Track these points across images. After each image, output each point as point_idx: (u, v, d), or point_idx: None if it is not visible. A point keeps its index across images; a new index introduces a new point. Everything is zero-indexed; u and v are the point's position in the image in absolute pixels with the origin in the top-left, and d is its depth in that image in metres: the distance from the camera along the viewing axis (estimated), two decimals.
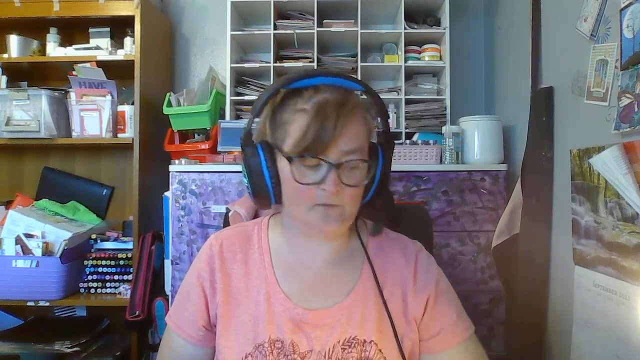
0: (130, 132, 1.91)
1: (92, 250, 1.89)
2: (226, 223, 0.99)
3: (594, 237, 1.15)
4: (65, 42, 2.04)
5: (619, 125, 1.05)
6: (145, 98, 1.91)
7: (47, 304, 1.76)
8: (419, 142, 1.77)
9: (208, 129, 1.96)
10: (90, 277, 1.86)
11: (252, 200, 0.72)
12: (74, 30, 2.08)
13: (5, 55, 1.98)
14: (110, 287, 1.86)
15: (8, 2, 1.90)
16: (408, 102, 1.96)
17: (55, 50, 2.00)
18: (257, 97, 0.70)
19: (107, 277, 1.86)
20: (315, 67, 1.95)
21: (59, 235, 1.78)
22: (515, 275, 1.49)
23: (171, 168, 1.68)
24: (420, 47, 2.01)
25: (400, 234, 0.82)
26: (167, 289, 1.71)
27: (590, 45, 1.20)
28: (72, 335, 1.77)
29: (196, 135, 2.08)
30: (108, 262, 1.86)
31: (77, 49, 1.98)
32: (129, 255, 1.86)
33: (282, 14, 2.06)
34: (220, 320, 0.73)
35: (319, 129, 0.63)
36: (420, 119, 1.95)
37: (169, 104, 1.92)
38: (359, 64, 1.98)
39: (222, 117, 1.98)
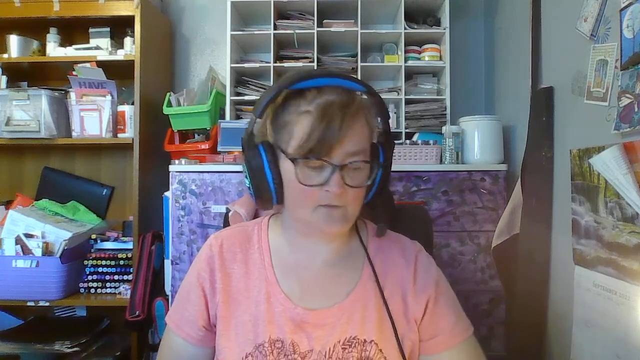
0: (130, 132, 1.91)
1: (92, 250, 1.89)
2: (226, 223, 0.99)
3: (594, 237, 1.15)
4: (65, 42, 2.04)
5: (619, 125, 1.05)
6: (145, 98, 1.91)
7: (47, 304, 1.76)
8: (419, 142, 1.77)
9: (208, 129, 1.96)
10: (90, 277, 1.86)
11: (253, 201, 0.72)
12: (74, 30, 2.08)
13: (5, 55, 1.98)
14: (110, 287, 1.86)
15: (8, 2, 1.90)
16: (408, 102, 1.96)
17: (55, 50, 2.00)
18: (258, 98, 0.69)
19: (107, 277, 1.86)
20: (316, 67, 1.95)
21: (59, 235, 1.78)
22: (515, 275, 1.49)
23: (171, 168, 1.68)
24: (420, 47, 2.01)
25: (399, 234, 0.82)
26: (167, 289, 1.71)
27: (590, 45, 1.20)
28: (72, 335, 1.77)
29: (196, 135, 2.08)
30: (108, 262, 1.86)
31: (77, 49, 1.98)
32: (129, 255, 1.86)
33: (282, 14, 2.06)
34: (220, 321, 0.73)
35: (324, 131, 0.63)
36: (420, 119, 1.95)
37: (169, 104, 1.92)
38: (359, 64, 1.98)
39: (222, 117, 1.98)
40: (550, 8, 1.47)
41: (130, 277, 1.85)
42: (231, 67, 1.98)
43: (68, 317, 2.09)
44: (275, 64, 1.97)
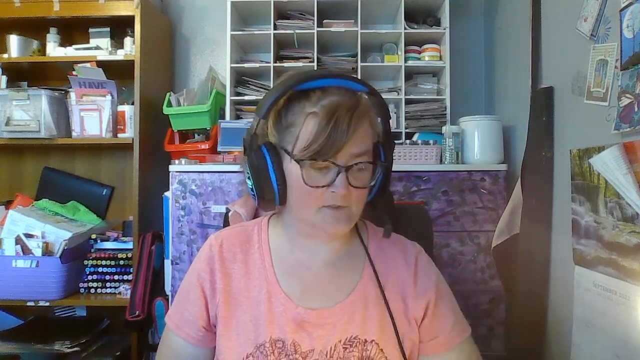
0: (130, 132, 1.91)
1: (92, 250, 1.89)
2: (226, 223, 0.99)
3: (594, 237, 1.15)
4: (65, 42, 2.04)
5: (619, 125, 1.05)
6: (145, 98, 1.91)
7: (47, 304, 1.76)
8: (419, 142, 1.77)
9: (208, 129, 1.96)
10: (90, 277, 1.86)
11: (255, 202, 0.72)
12: (74, 30, 2.08)
13: (5, 55, 1.99)
14: (110, 287, 1.86)
15: (8, 2, 1.90)
16: (408, 102, 1.96)
17: (55, 50, 2.00)
18: (261, 98, 0.69)
19: (107, 277, 1.86)
20: (316, 68, 1.95)
21: (59, 235, 1.78)
22: (515, 275, 1.49)
23: (171, 168, 1.68)
24: (420, 47, 2.01)
25: (399, 235, 0.82)
26: (167, 289, 1.71)
27: (590, 45, 1.20)
28: (72, 335, 1.77)
29: (196, 135, 2.08)
30: (108, 262, 1.86)
31: (77, 49, 1.98)
32: (129, 255, 1.86)
33: (282, 14, 2.06)
34: (220, 321, 0.73)
35: (331, 133, 0.63)
36: (420, 119, 1.95)
37: (169, 104, 1.92)
38: (359, 64, 1.98)
39: (222, 117, 1.98)
40: (550, 8, 1.47)
41: (130, 277, 1.85)
42: (231, 67, 1.98)
43: (68, 317, 2.09)
44: (275, 64, 1.97)
